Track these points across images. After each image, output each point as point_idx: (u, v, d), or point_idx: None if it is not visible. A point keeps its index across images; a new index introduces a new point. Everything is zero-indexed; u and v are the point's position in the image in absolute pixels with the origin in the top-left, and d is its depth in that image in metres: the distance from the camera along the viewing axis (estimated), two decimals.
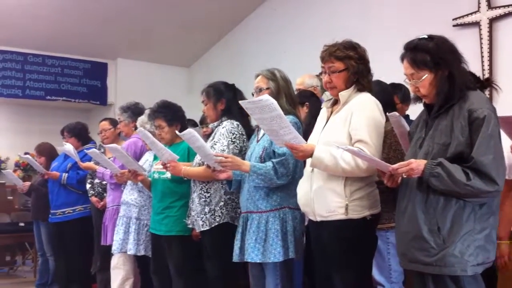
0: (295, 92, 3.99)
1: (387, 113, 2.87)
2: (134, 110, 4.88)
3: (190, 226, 3.63)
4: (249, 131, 3.54)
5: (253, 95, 3.27)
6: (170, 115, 3.94)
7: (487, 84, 2.61)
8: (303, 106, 3.76)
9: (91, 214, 5.33)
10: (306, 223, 3.19)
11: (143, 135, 3.59)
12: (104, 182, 5.03)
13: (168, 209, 3.82)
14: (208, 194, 3.48)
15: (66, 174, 5.42)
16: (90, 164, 5.11)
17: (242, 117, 3.49)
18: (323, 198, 2.69)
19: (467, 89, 2.35)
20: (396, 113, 2.87)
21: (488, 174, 2.18)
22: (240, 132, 3.46)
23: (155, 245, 3.98)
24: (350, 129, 2.66)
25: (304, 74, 4.49)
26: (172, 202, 3.83)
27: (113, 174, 4.41)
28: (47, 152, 6.09)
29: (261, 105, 2.59)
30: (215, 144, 3.44)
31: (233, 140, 3.41)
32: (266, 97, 2.61)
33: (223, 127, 3.49)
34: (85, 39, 8.04)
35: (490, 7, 4.94)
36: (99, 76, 8.86)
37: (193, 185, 3.59)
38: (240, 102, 2.73)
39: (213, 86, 3.65)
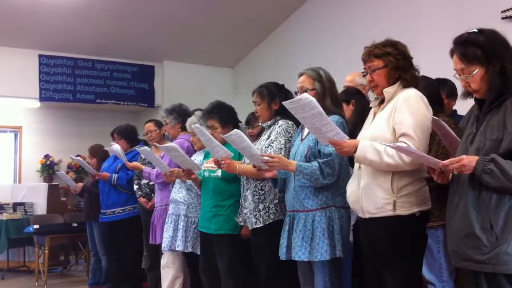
0: (343, 89, 4.00)
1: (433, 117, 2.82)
2: (179, 112, 4.94)
3: (242, 223, 3.65)
4: None
5: (296, 94, 3.25)
6: (224, 116, 3.97)
7: None
8: (349, 103, 3.74)
9: (140, 214, 5.42)
10: (353, 222, 3.17)
11: (199, 132, 3.56)
12: (151, 183, 5.12)
13: (217, 207, 3.85)
14: (263, 192, 3.50)
15: (116, 174, 5.55)
16: (137, 163, 5.20)
17: (294, 117, 3.50)
18: (371, 195, 2.67)
19: None
20: (434, 118, 2.79)
21: None
22: (295, 131, 3.47)
23: (204, 244, 4.02)
24: (394, 123, 2.63)
25: (354, 72, 4.46)
26: (221, 200, 3.85)
27: (162, 173, 4.46)
28: (99, 154, 6.27)
29: (301, 104, 2.61)
30: (273, 143, 3.45)
31: (290, 139, 3.44)
32: (305, 96, 2.62)
33: (279, 126, 3.51)
34: (132, 43, 8.20)
35: None
36: (146, 79, 9.02)
37: (246, 183, 3.60)
38: (283, 103, 2.75)
39: (266, 86, 3.66)
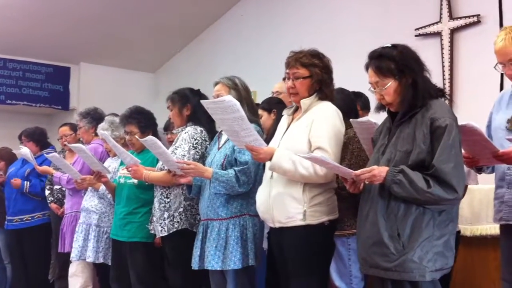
0: (266, 98, 4.03)
1: (351, 120, 2.89)
2: (94, 116, 4.81)
3: (152, 231, 3.61)
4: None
5: None
6: (144, 122, 3.89)
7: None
8: (271, 112, 3.77)
9: (50, 221, 5.25)
10: (267, 230, 3.19)
11: (106, 138, 3.55)
12: (64, 188, 4.95)
13: (131, 214, 3.78)
14: (168, 200, 3.45)
15: (28, 182, 5.32)
16: (47, 168, 5.04)
17: (209, 123, 3.48)
18: (282, 205, 2.71)
19: (430, 97, 2.39)
20: (364, 120, 2.86)
21: (449, 182, 2.21)
22: (203, 138, 3.45)
23: (116, 252, 3.92)
24: (310, 136, 2.70)
25: (281, 81, 4.49)
26: (136, 208, 3.78)
27: (73, 180, 4.35)
28: (7, 157, 5.97)
29: (224, 105, 2.62)
30: (176, 149, 3.43)
31: (195, 145, 3.40)
32: (229, 98, 2.64)
33: (185, 132, 3.48)
34: (47, 42, 7.91)
35: (451, 17, 5.05)
36: (61, 81, 8.72)
37: (155, 190, 3.57)
38: (202, 102, 2.74)
39: (179, 92, 3.63)
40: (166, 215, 3.42)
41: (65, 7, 7.17)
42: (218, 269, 3.04)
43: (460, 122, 2.37)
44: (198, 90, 3.68)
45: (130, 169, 3.52)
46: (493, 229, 3.40)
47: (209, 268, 3.05)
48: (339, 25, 6.10)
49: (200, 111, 3.45)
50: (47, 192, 5.15)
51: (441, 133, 2.26)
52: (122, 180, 3.89)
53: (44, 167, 5.06)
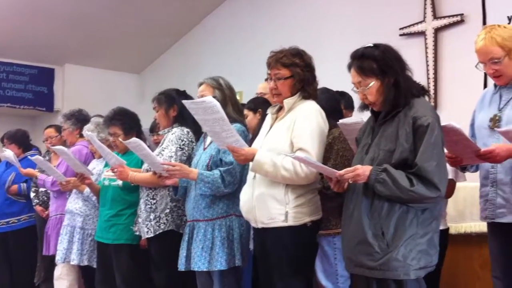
0: (251, 98, 4.03)
1: (339, 121, 2.91)
2: (78, 117, 4.78)
3: (137, 233, 3.59)
4: None
5: None
6: (128, 123, 3.87)
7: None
8: (256, 112, 3.77)
9: (36, 223, 5.20)
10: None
11: (91, 139, 3.53)
12: (49, 191, 4.91)
13: (116, 216, 3.76)
14: (154, 201, 3.44)
15: (24, 184, 5.29)
16: (31, 170, 5.00)
17: (195, 124, 3.46)
18: (264, 205, 2.71)
19: (412, 96, 2.40)
20: (353, 121, 2.85)
21: (431, 180, 2.23)
22: (190, 139, 3.44)
23: (101, 254, 3.90)
24: (292, 136, 2.69)
25: (265, 81, 4.49)
26: (121, 210, 3.77)
27: (57, 182, 4.33)
28: None
29: (204, 106, 2.62)
30: (163, 150, 3.42)
31: (182, 147, 3.39)
32: (209, 99, 2.64)
33: (172, 134, 3.47)
34: (32, 44, 7.83)
35: (435, 17, 5.08)
36: (45, 82, 8.65)
37: (140, 192, 3.55)
38: (183, 102, 2.73)
39: (165, 93, 3.62)
40: (152, 216, 3.41)
41: (49, 8, 7.11)
42: (205, 270, 3.03)
43: (442, 122, 2.38)
44: (184, 91, 3.68)
45: (115, 170, 3.50)
46: (478, 226, 3.44)
47: (196, 269, 3.05)
48: (324, 25, 6.11)
49: (187, 112, 3.42)
50: (32, 195, 5.12)
51: (423, 132, 2.27)
52: (106, 182, 3.87)
53: (28, 170, 5.02)
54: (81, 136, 4.69)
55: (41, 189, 5.04)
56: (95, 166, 4.30)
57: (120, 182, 3.73)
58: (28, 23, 7.35)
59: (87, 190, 4.14)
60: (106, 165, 4.03)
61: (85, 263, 4.17)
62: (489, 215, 2.67)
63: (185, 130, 3.47)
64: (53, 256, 4.43)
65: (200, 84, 3.27)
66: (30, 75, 8.56)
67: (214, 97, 3.12)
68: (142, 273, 3.67)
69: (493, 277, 2.74)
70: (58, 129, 5.15)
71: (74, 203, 4.32)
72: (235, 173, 3.02)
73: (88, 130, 4.21)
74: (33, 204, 5.10)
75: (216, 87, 3.21)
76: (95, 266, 4.07)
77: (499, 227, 2.64)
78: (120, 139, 3.54)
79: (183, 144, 3.40)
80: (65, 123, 4.81)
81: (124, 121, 3.86)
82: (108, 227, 3.78)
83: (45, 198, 5.03)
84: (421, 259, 2.27)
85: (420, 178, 2.23)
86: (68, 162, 4.01)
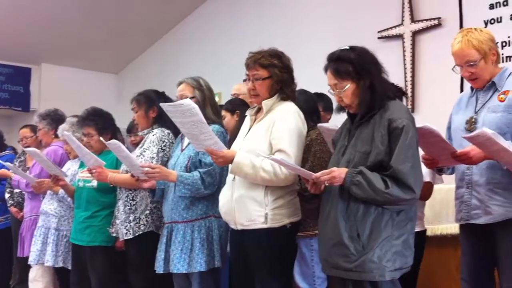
0: (229, 99, 4.02)
1: (318, 124, 2.92)
2: (54, 117, 4.74)
3: (114, 234, 3.56)
4: None
5: None
6: (101, 123, 3.84)
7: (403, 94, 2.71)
8: (234, 114, 3.76)
9: (11, 224, 5.14)
10: None
11: (69, 139, 3.50)
12: (23, 192, 4.85)
13: (91, 218, 3.72)
14: (134, 202, 3.41)
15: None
16: (5, 171, 4.95)
17: (174, 125, 3.45)
18: (243, 207, 2.69)
19: (387, 98, 2.42)
20: (334, 127, 2.86)
21: (406, 182, 2.25)
22: (171, 141, 3.43)
23: (76, 256, 3.86)
24: (271, 138, 2.68)
25: (241, 82, 4.49)
26: (96, 211, 3.73)
27: (31, 184, 4.29)
28: None
29: (182, 109, 2.60)
30: (145, 152, 3.39)
31: (163, 148, 3.38)
32: (187, 101, 2.62)
33: (153, 135, 3.45)
34: (7, 42, 7.72)
35: (413, 20, 5.11)
36: (22, 82, 8.55)
37: (119, 193, 3.52)
38: (160, 104, 2.71)
39: (144, 93, 3.59)
40: (131, 217, 3.38)
41: (25, 7, 7.02)
42: (184, 272, 3.01)
43: (418, 124, 2.40)
44: (163, 92, 3.66)
45: (94, 171, 3.46)
46: (453, 228, 3.46)
47: (175, 271, 3.02)
48: (303, 27, 6.13)
49: (165, 113, 3.42)
50: (7, 196, 5.06)
51: (398, 134, 2.29)
52: (81, 184, 3.83)
53: (2, 171, 4.98)
54: (57, 136, 4.65)
55: (16, 190, 4.97)
56: (70, 166, 4.26)
57: (95, 184, 3.69)
58: (4, 22, 7.25)
59: (62, 191, 4.09)
60: (81, 165, 3.99)
61: (60, 264, 4.12)
62: (464, 217, 2.69)
63: (166, 131, 3.45)
64: (28, 258, 4.35)
65: (180, 84, 3.24)
66: (6, 75, 8.46)
67: (193, 97, 3.13)
68: (117, 275, 3.63)
69: (461, 279, 2.77)
70: (34, 129, 5.10)
71: (49, 204, 4.27)
72: (215, 174, 3.01)
73: (63, 130, 4.17)
74: (8, 205, 5.03)
75: (196, 87, 3.19)
76: (70, 267, 4.02)
77: (473, 228, 2.67)
78: (102, 139, 3.49)
79: (165, 146, 3.39)
80: (40, 123, 4.77)
81: (98, 121, 3.83)
82: (83, 228, 3.74)
83: (20, 199, 4.97)
84: (396, 261, 2.29)
85: (395, 180, 2.25)
86: (41, 163, 3.98)
